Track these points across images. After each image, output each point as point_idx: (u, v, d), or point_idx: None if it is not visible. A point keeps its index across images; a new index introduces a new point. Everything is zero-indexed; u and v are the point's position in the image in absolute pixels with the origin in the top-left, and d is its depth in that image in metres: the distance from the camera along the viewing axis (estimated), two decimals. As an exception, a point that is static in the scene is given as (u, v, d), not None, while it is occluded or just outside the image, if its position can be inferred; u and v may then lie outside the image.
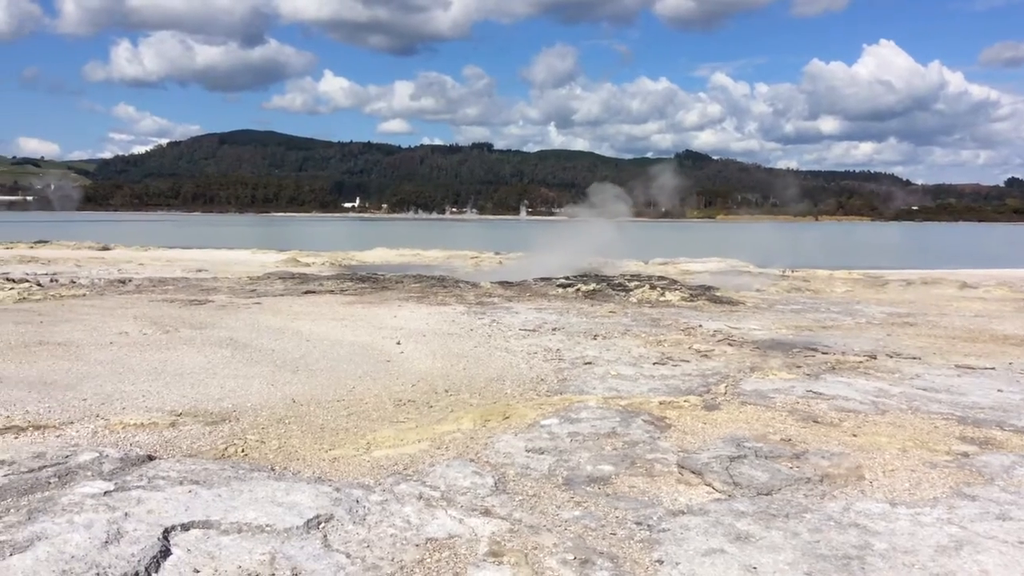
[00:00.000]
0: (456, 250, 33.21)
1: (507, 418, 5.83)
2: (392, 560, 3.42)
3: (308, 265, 24.68)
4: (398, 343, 9.21)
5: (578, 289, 15.82)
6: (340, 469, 4.73)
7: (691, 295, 15.02)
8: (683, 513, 4.09)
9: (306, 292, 15.01)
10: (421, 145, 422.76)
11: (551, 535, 3.76)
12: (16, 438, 5.16)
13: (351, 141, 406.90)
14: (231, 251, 31.20)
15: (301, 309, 12.30)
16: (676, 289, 15.71)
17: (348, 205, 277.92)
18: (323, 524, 3.71)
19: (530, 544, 3.64)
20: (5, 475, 4.19)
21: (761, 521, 3.97)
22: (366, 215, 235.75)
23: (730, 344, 9.52)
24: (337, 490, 4.10)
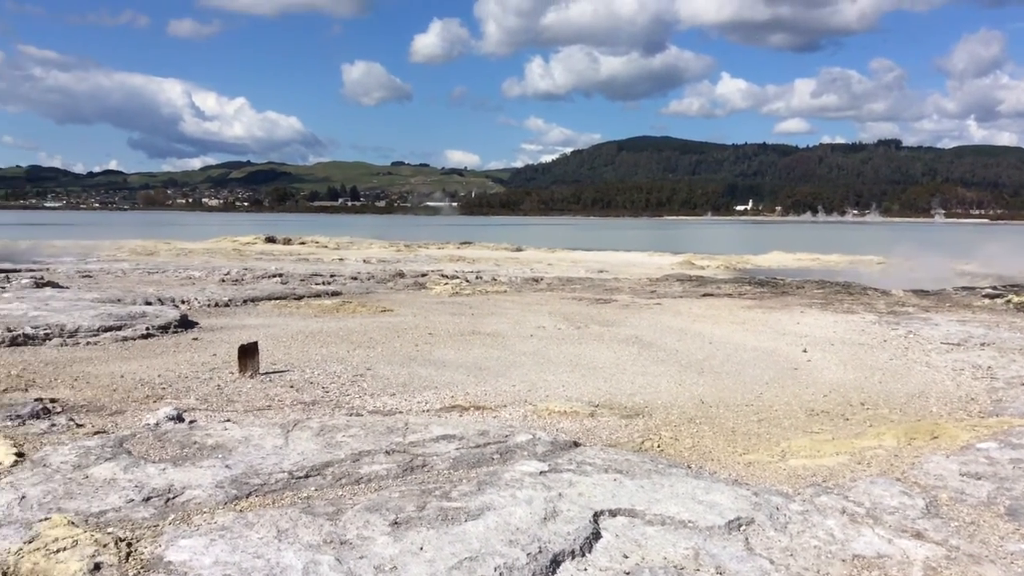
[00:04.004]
0: (860, 255, 31.12)
1: (935, 438, 5.35)
2: (817, 572, 3.32)
3: (703, 268, 24.80)
4: (804, 351, 8.90)
5: (1009, 300, 13.98)
6: (755, 474, 4.70)
7: None
8: None
9: (704, 295, 15.10)
10: (820, 144, 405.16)
11: (995, 567, 3.38)
12: (461, 416, 5.89)
13: (745, 143, 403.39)
14: (628, 253, 32.44)
15: (700, 311, 12.41)
16: None
17: (740, 208, 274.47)
18: (743, 527, 3.71)
19: (971, 574, 3.32)
20: (457, 448, 4.79)
21: None
22: (759, 218, 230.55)
23: None
24: (756, 495, 4.08)
